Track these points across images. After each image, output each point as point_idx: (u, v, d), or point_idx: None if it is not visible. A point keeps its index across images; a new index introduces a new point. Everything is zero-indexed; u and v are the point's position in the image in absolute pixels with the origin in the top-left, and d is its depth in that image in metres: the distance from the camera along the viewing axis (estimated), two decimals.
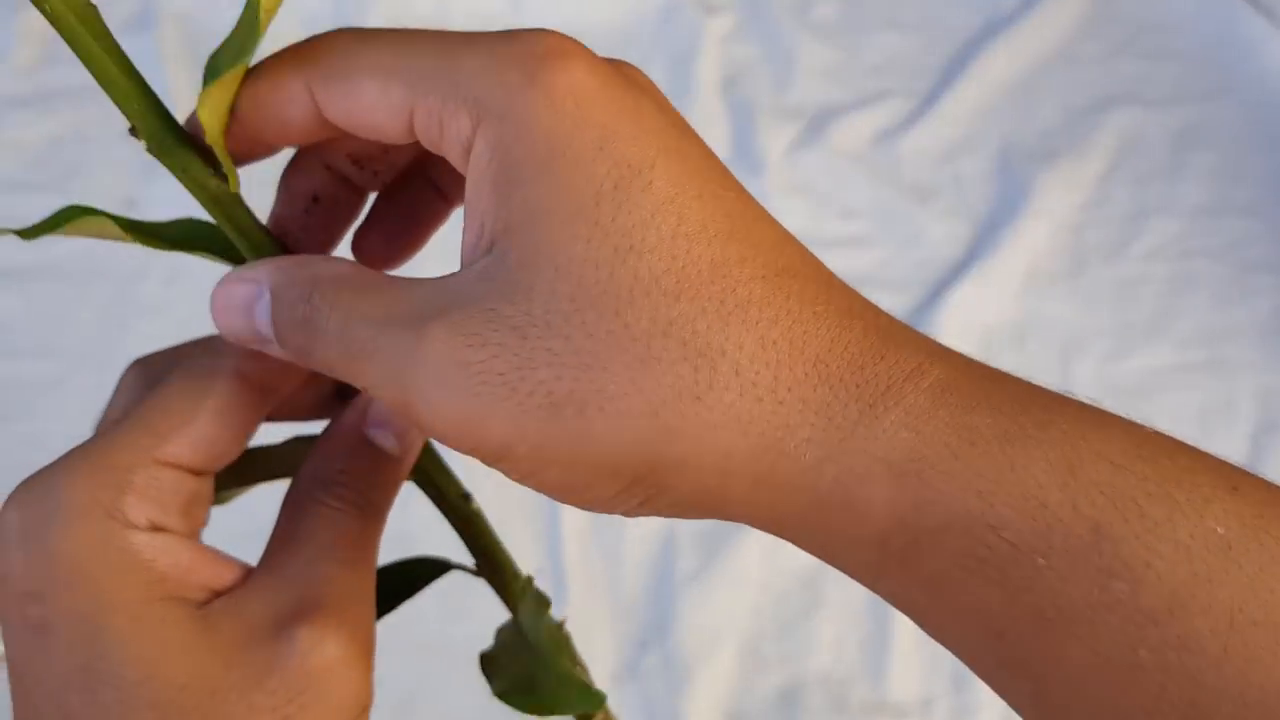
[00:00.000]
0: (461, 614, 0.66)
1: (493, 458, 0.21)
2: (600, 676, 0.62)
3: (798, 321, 0.20)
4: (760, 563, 0.64)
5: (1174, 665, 0.18)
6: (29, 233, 0.24)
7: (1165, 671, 0.18)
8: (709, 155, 0.22)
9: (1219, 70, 0.87)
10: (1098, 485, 0.19)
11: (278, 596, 0.24)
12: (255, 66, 0.23)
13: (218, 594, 0.24)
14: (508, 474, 0.22)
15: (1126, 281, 0.75)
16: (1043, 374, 0.71)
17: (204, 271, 0.85)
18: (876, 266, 0.76)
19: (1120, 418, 0.21)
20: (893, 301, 0.75)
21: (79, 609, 0.22)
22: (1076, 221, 0.78)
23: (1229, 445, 0.66)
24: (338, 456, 0.27)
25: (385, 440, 0.27)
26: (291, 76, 0.23)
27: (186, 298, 0.76)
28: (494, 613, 0.62)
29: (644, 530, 0.66)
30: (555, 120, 0.20)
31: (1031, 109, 0.85)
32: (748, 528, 0.70)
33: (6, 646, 0.23)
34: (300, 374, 0.27)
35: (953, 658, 0.68)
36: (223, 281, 0.24)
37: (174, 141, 0.23)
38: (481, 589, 0.59)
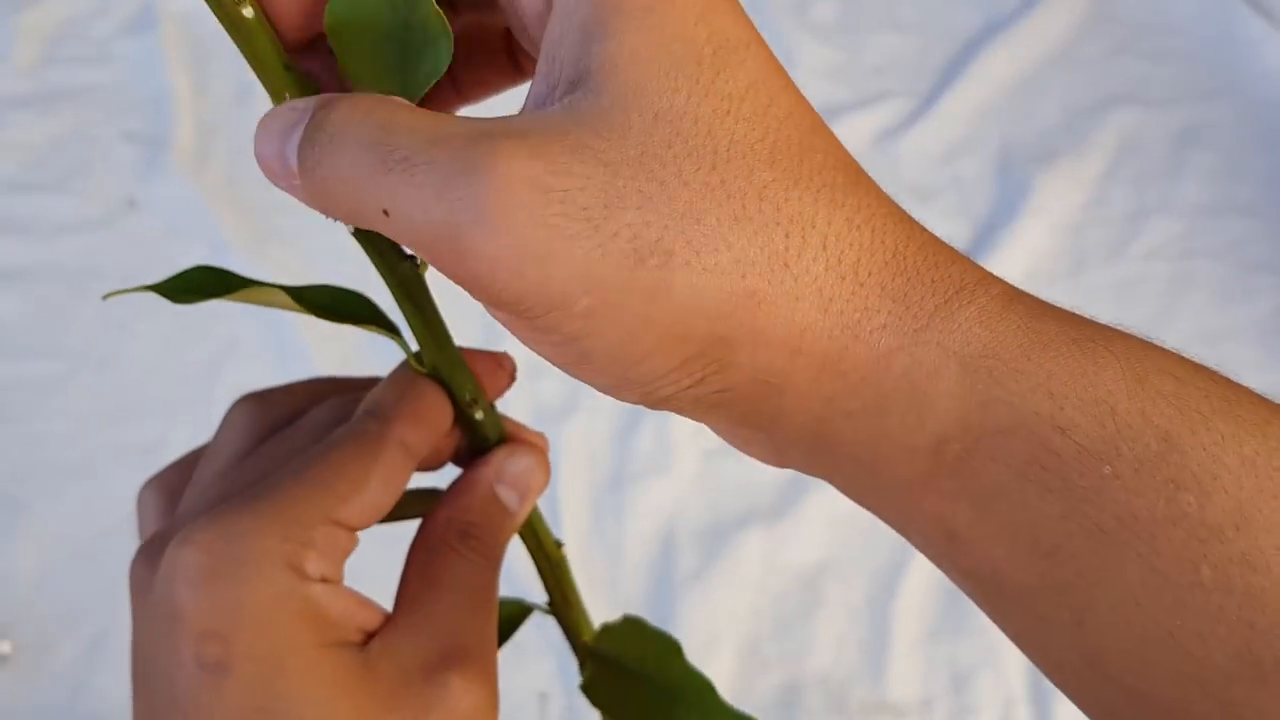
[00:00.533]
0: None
1: (546, 308, 0.19)
2: None
3: (877, 215, 0.20)
4: (760, 563, 0.64)
5: (1236, 583, 0.18)
6: (183, 298, 0.24)
7: (1226, 590, 0.18)
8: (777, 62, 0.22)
9: (1218, 71, 0.87)
10: (1165, 396, 0.19)
11: (428, 642, 0.25)
12: None
13: (369, 636, 0.25)
14: (553, 335, 0.20)
15: (1126, 281, 0.75)
16: None
17: None
18: None
19: (1162, 345, 0.21)
20: None
21: (261, 652, 0.23)
22: (1076, 221, 0.78)
23: None
24: (473, 509, 0.27)
25: (509, 497, 0.28)
26: None
27: None
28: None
29: (644, 530, 0.66)
30: None
31: (1031, 109, 0.85)
32: (747, 527, 0.69)
33: (174, 685, 0.24)
34: (441, 440, 0.27)
35: (951, 658, 0.68)
36: (269, 117, 0.22)
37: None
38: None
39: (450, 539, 0.27)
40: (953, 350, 0.19)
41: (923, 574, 0.64)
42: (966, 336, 0.19)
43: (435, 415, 0.27)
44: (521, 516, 0.28)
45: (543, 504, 0.66)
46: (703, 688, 0.31)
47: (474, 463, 0.28)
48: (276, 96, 0.22)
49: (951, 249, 0.21)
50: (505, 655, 0.52)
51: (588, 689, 0.32)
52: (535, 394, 0.71)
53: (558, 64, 0.20)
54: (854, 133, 0.85)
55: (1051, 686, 0.60)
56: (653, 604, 0.63)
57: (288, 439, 0.27)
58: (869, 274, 0.19)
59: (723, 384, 0.20)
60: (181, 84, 0.88)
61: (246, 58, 0.21)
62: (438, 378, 0.27)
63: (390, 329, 0.26)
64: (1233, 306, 0.73)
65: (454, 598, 0.26)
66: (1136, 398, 0.19)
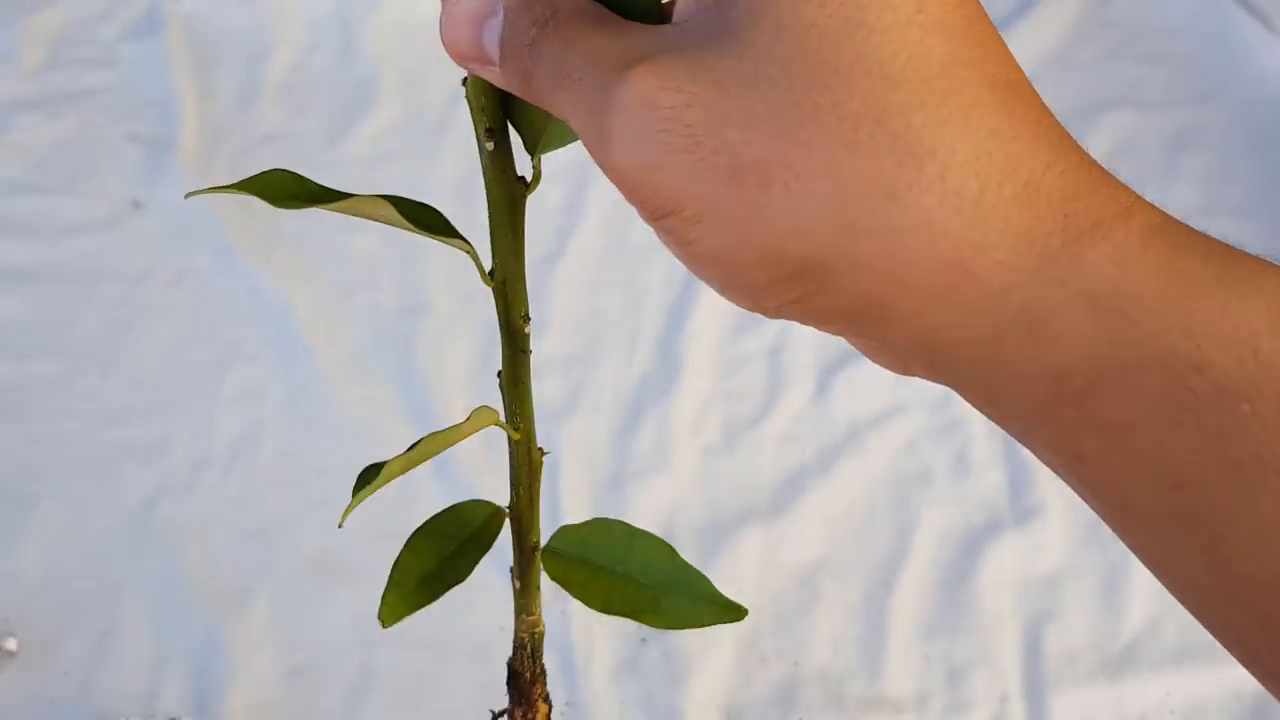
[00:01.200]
0: (462, 610, 0.66)
1: (661, 212, 0.20)
2: (601, 672, 0.62)
3: (1016, 139, 0.19)
4: (758, 561, 0.64)
5: None
6: (284, 202, 0.24)
7: None
8: None
9: (1213, 73, 0.88)
10: None
11: None
12: None
13: None
14: (670, 236, 0.20)
15: None
16: None
17: (206, 275, 0.86)
18: None
19: None
20: None
21: None
22: None
23: None
24: None
25: None
26: None
27: (190, 300, 0.77)
28: (493, 611, 0.63)
29: (644, 528, 0.66)
30: None
31: None
32: (745, 526, 0.70)
33: None
34: None
35: (947, 654, 0.68)
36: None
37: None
38: (479, 588, 0.59)
39: None
40: (1078, 288, 0.18)
41: (919, 571, 0.65)
42: (1097, 274, 0.18)
43: None
44: None
45: (543, 502, 0.66)
46: (695, 578, 0.33)
47: None
48: None
49: (1100, 173, 0.20)
50: (505, 651, 0.52)
51: (555, 572, 0.33)
52: (536, 394, 0.72)
53: None
54: None
55: (1047, 682, 0.61)
56: None
57: None
58: (991, 207, 0.18)
59: (825, 304, 0.20)
60: (187, 86, 0.89)
61: None
62: (502, 290, 0.27)
63: (466, 244, 0.27)
64: None
65: None
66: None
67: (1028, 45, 0.90)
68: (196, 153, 0.85)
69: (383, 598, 0.32)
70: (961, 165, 0.18)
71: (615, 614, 0.33)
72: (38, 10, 0.94)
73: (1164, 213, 0.20)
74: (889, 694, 0.60)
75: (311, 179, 0.25)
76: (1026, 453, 0.77)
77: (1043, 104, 0.20)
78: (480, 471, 0.67)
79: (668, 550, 0.34)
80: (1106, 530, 0.74)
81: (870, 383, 0.73)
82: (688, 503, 0.67)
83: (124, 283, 0.78)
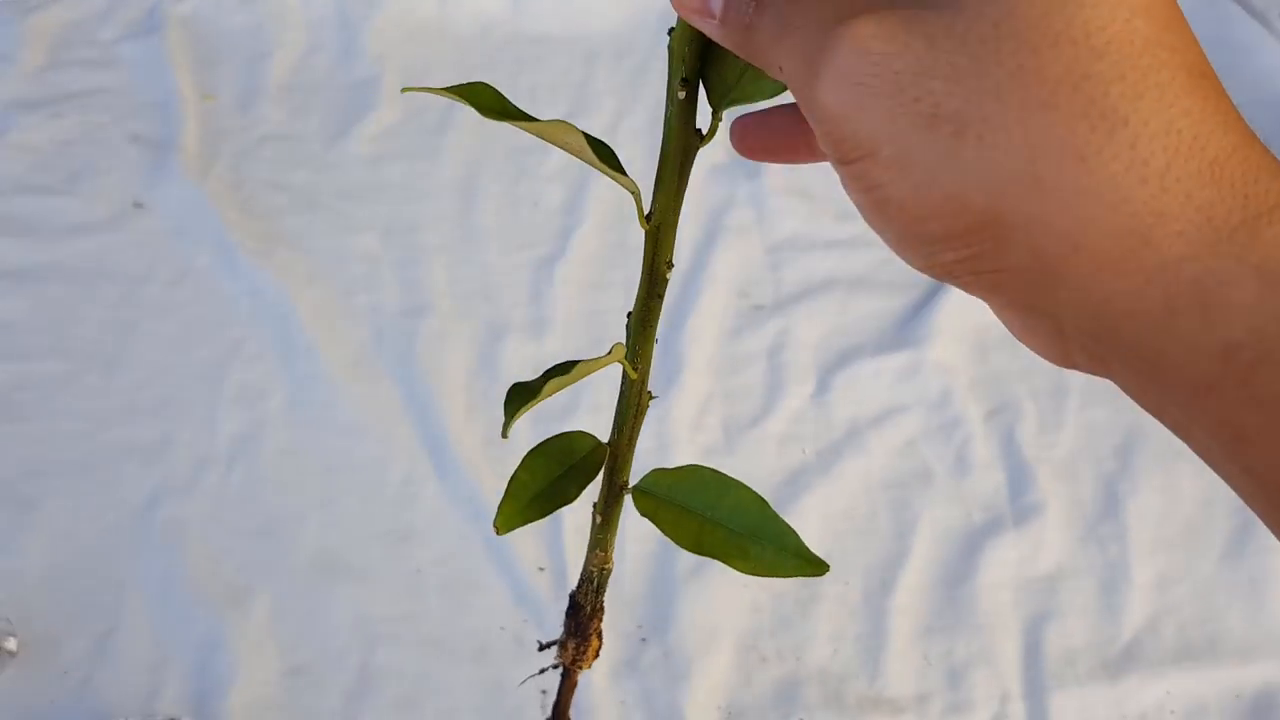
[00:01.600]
0: (462, 610, 0.67)
1: (854, 155, 0.21)
2: (601, 672, 0.62)
3: (1205, 122, 0.20)
4: None
5: None
6: (489, 114, 0.26)
7: None
8: None
9: None
10: None
11: None
12: None
13: None
14: (859, 181, 0.22)
15: None
16: (1037, 374, 0.72)
17: (207, 274, 0.86)
18: (873, 268, 0.77)
19: None
20: (888, 303, 0.76)
21: None
22: None
23: None
24: None
25: None
26: None
27: (191, 300, 0.77)
28: (493, 612, 0.63)
29: (645, 528, 0.66)
30: None
31: None
32: None
33: None
34: None
35: (947, 654, 0.68)
36: None
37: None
38: (480, 588, 0.60)
39: None
40: (1252, 263, 0.19)
41: (919, 572, 0.65)
42: (1270, 252, 0.19)
43: None
44: None
45: None
46: (784, 530, 0.34)
47: None
48: None
49: (1274, 161, 0.20)
50: (506, 650, 0.53)
51: (647, 509, 0.35)
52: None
53: None
54: None
55: (1047, 682, 0.61)
56: (653, 600, 0.64)
57: None
58: (1176, 180, 0.19)
59: (998, 263, 0.21)
60: (187, 87, 0.89)
61: None
62: (655, 234, 0.29)
63: (631, 183, 0.28)
64: None
65: None
66: None
67: None
68: (197, 153, 0.85)
69: (499, 509, 0.34)
70: (1152, 137, 0.19)
71: (705, 554, 0.35)
72: (38, 11, 0.94)
73: None
74: (889, 694, 0.60)
75: (508, 100, 0.27)
76: (1026, 452, 0.77)
77: (1230, 100, 0.21)
78: (480, 475, 0.67)
79: (759, 500, 0.35)
80: (1106, 530, 0.74)
81: (870, 383, 0.73)
82: None
83: (125, 283, 0.78)
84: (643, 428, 0.35)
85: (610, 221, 0.81)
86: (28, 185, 0.83)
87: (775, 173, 0.82)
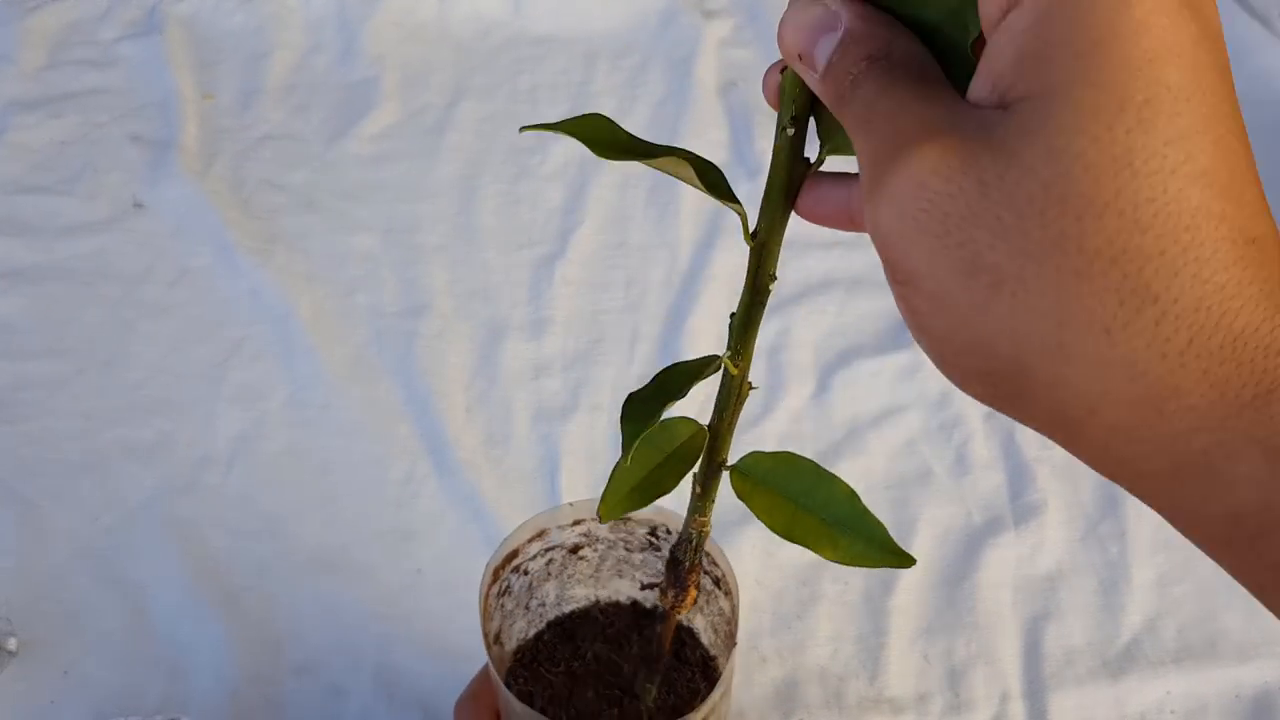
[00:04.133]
0: (464, 609, 0.67)
1: (900, 278, 0.22)
2: None
3: (1239, 295, 0.20)
4: (758, 560, 0.65)
5: None
6: (605, 153, 0.28)
7: None
8: (1234, 98, 0.21)
9: None
10: None
11: None
12: None
13: None
14: (903, 302, 0.23)
15: None
16: None
17: (207, 274, 0.86)
18: (873, 268, 0.77)
19: None
20: (888, 303, 0.76)
21: None
22: None
23: None
24: None
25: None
26: None
27: (191, 300, 0.77)
28: None
29: None
30: (1117, 19, 0.20)
31: None
32: (745, 525, 0.70)
33: None
34: None
35: (947, 654, 0.68)
36: (805, 2, 0.25)
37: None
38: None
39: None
40: (1259, 438, 0.20)
41: (919, 571, 0.65)
42: (1274, 427, 0.20)
43: None
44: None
45: (546, 496, 0.66)
46: (874, 524, 0.36)
47: None
48: None
49: None
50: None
51: (741, 490, 0.37)
52: (537, 393, 0.72)
53: (993, 73, 0.21)
54: None
55: (1047, 682, 0.61)
56: None
57: None
58: (1195, 356, 0.20)
59: (1020, 409, 0.22)
60: (187, 87, 0.89)
61: None
62: (759, 250, 0.31)
63: (738, 206, 0.30)
64: None
65: None
66: None
67: None
68: (197, 153, 0.85)
69: (603, 498, 0.36)
70: (1179, 315, 0.20)
71: (796, 542, 0.36)
72: (38, 11, 0.94)
73: None
74: (889, 694, 0.60)
75: (622, 129, 0.29)
76: (1026, 452, 0.77)
77: None
78: (480, 475, 0.67)
79: (851, 493, 0.36)
80: (1106, 529, 0.75)
81: (870, 383, 0.73)
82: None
83: (125, 283, 0.78)
84: None
85: (610, 221, 0.81)
86: (27, 185, 0.84)
87: None
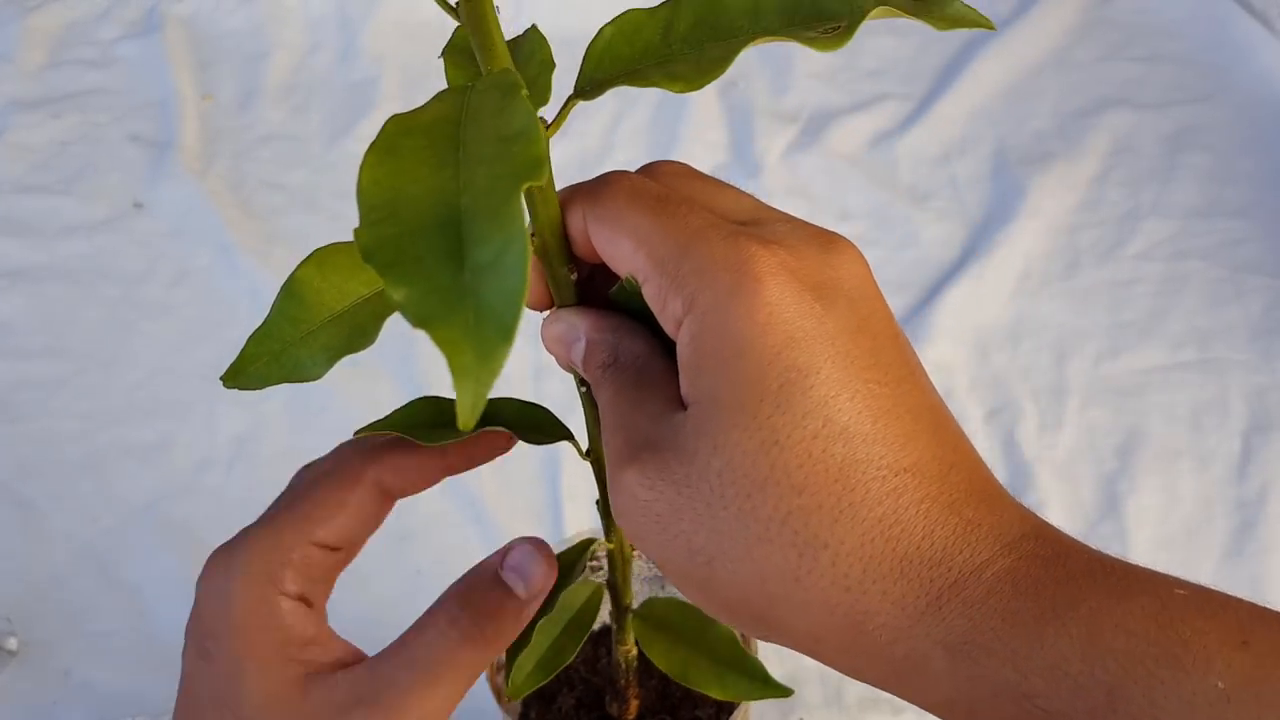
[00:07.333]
0: None
1: (655, 564, 0.26)
2: None
3: (898, 522, 0.24)
4: None
5: None
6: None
7: None
8: (882, 349, 0.25)
9: (1212, 74, 0.88)
10: (1114, 653, 0.22)
11: (360, 687, 0.31)
12: (572, 189, 0.28)
13: (331, 666, 0.31)
14: (666, 577, 0.27)
15: (1119, 282, 0.76)
16: (1037, 374, 0.72)
17: (206, 275, 0.86)
18: (873, 267, 0.77)
19: (1153, 580, 0.24)
20: (889, 303, 0.76)
21: (232, 650, 0.30)
22: (1070, 223, 0.79)
23: (1220, 444, 0.67)
24: (469, 590, 0.33)
25: (516, 584, 0.33)
26: (577, 208, 0.28)
27: (191, 300, 0.77)
28: None
29: None
30: (745, 327, 0.24)
31: (1026, 112, 0.86)
32: None
33: (186, 662, 0.31)
34: (432, 477, 0.34)
35: None
36: (553, 318, 0.29)
37: (557, 251, 0.28)
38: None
39: (439, 611, 0.33)
40: (939, 639, 0.23)
41: None
42: (950, 627, 0.23)
43: (418, 469, 0.34)
44: (532, 606, 0.33)
45: (547, 499, 0.66)
46: (754, 663, 0.40)
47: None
48: (555, 275, 0.29)
49: (976, 524, 0.24)
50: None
51: (641, 638, 0.41)
52: (539, 393, 0.72)
53: (682, 376, 0.26)
54: (851, 135, 0.85)
55: None
56: None
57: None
58: (873, 582, 0.23)
59: (777, 640, 0.25)
60: (186, 87, 0.89)
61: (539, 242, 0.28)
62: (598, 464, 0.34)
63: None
64: (1224, 307, 0.74)
65: (406, 658, 0.32)
66: (1088, 659, 0.22)
67: (1027, 45, 0.90)
68: (197, 153, 0.85)
69: (509, 680, 0.38)
70: (849, 553, 0.23)
71: (689, 684, 0.40)
72: (37, 11, 0.94)
73: (1030, 548, 0.24)
74: (889, 694, 0.60)
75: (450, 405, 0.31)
76: (1027, 453, 0.77)
77: (943, 469, 0.24)
78: (481, 477, 0.67)
79: (732, 636, 0.41)
80: (1106, 530, 0.74)
81: None
82: None
83: (124, 283, 0.78)
84: None
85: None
86: (26, 185, 0.83)
87: (775, 173, 0.82)
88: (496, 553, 0.34)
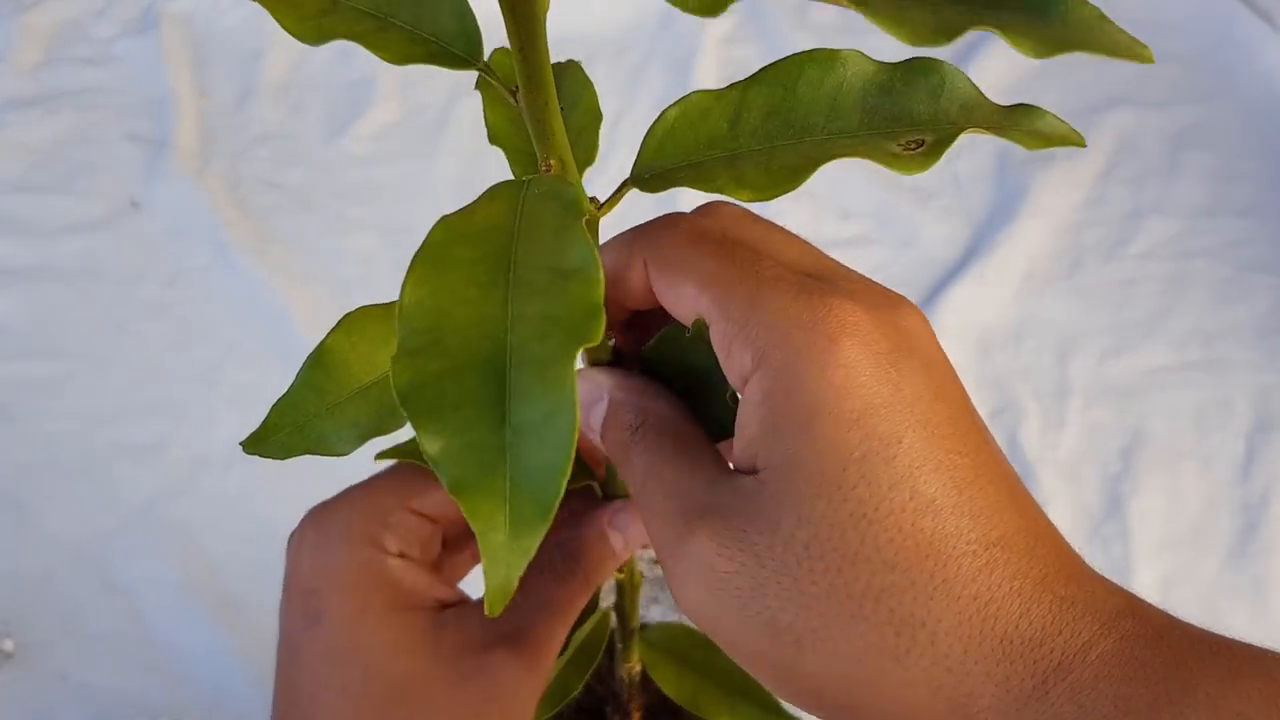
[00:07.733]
0: None
1: (725, 646, 0.25)
2: None
3: (993, 600, 0.23)
4: None
5: None
6: None
7: None
8: (958, 416, 0.24)
9: (1217, 72, 0.87)
10: None
11: (498, 625, 0.31)
12: (631, 234, 0.27)
13: (445, 607, 0.32)
14: (733, 659, 0.25)
15: (1123, 281, 0.75)
16: (1040, 373, 0.72)
17: (203, 274, 0.86)
18: (875, 267, 0.77)
19: (1260, 659, 0.23)
20: None
21: (346, 606, 0.31)
22: (1074, 222, 0.79)
23: (1224, 445, 0.67)
24: (578, 537, 0.33)
25: (616, 540, 0.34)
26: (637, 254, 0.27)
27: (187, 299, 0.76)
28: None
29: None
30: (822, 389, 0.23)
31: None
32: None
33: (286, 625, 0.32)
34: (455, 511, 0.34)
35: None
36: (585, 370, 0.29)
37: None
38: (480, 585, 0.59)
39: (552, 552, 0.33)
40: None
41: None
42: (1059, 713, 0.22)
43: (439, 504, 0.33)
44: (623, 557, 0.34)
45: None
46: (766, 695, 0.39)
47: (590, 507, 0.35)
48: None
49: (1073, 601, 0.23)
50: None
51: (648, 662, 0.40)
52: None
53: (746, 437, 0.24)
54: None
55: None
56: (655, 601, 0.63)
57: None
58: (975, 663, 0.22)
59: None
60: (182, 85, 0.89)
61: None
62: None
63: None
64: (1229, 306, 0.74)
65: (527, 595, 0.32)
66: None
67: None
68: (193, 152, 0.85)
69: None
70: (947, 632, 0.22)
71: (699, 712, 0.39)
72: (33, 9, 0.93)
73: (1132, 627, 0.23)
74: None
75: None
76: (1029, 453, 0.76)
77: (1030, 542, 0.24)
78: None
79: None
80: (1109, 530, 0.74)
81: None
82: None
83: (121, 282, 0.77)
84: None
85: (610, 221, 0.81)
86: (22, 184, 0.83)
87: None
88: (603, 510, 0.34)
